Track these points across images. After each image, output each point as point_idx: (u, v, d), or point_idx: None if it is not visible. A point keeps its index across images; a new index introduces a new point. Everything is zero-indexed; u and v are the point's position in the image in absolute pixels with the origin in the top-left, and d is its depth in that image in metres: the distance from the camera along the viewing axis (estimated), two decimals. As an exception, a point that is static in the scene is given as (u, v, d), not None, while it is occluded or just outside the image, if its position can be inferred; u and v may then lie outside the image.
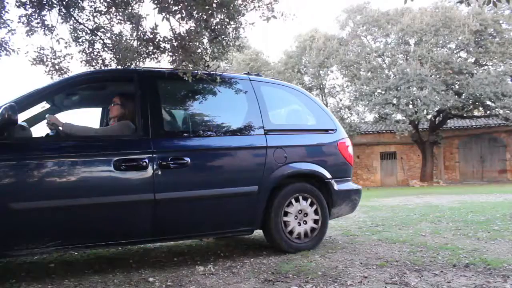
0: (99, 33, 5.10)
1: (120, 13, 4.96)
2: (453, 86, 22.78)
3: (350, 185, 4.84)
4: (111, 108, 4.21)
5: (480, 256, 3.93)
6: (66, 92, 4.23)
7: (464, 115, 24.37)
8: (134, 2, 4.85)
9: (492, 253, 4.08)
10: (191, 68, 3.94)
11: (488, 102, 22.24)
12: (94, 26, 5.10)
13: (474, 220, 6.41)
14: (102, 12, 5.07)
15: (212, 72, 4.20)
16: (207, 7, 3.89)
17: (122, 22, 5.02)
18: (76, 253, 4.64)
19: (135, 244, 4.42)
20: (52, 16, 5.02)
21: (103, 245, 3.76)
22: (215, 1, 4.00)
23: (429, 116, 22.55)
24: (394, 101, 21.91)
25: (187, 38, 4.03)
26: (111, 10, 5.01)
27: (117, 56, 4.73)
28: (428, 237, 5.09)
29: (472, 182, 23.37)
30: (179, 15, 3.97)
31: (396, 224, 6.26)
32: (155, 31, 4.41)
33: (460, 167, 24.96)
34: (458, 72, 21.97)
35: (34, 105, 3.69)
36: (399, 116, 22.61)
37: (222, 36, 4.38)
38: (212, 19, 4.13)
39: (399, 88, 21.62)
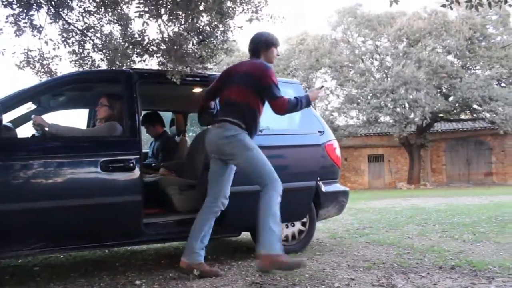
0: (89, 34, 5.07)
1: (110, 13, 4.93)
2: (442, 89, 23.03)
3: (337, 187, 4.86)
4: (99, 110, 4.18)
5: (465, 258, 3.96)
6: (52, 93, 4.19)
7: (451, 118, 24.64)
8: (123, 3, 4.83)
9: (477, 255, 4.11)
10: (179, 70, 3.93)
11: (475, 106, 22.51)
12: (84, 26, 5.06)
13: (460, 222, 6.47)
14: (92, 12, 5.03)
15: (201, 73, 4.20)
16: (192, 11, 3.88)
17: (112, 22, 4.99)
18: (61, 256, 4.60)
19: (122, 246, 4.40)
20: (41, 16, 4.98)
21: (89, 248, 3.73)
22: (200, 5, 4.00)
23: (417, 119, 22.74)
24: (389, 104, 22.02)
25: (174, 41, 4.02)
26: (100, 10, 4.98)
27: (107, 57, 4.71)
28: (414, 239, 5.12)
29: (458, 184, 23.58)
30: (165, 18, 3.97)
31: (383, 227, 6.29)
32: (143, 33, 4.40)
33: (447, 170, 25.17)
34: (449, 76, 22.23)
35: (20, 105, 3.65)
36: (391, 119, 22.78)
37: (210, 39, 4.38)
38: (197, 23, 4.12)
39: (394, 92, 21.77)
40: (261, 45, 3.75)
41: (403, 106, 22.20)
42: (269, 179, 3.45)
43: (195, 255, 3.54)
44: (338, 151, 4.88)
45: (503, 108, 21.17)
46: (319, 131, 4.79)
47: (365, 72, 24.42)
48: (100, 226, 3.56)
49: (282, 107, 3.52)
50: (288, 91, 4.64)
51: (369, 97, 23.04)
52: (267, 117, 3.84)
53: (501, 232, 5.36)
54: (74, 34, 5.07)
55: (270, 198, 3.39)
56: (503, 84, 23.41)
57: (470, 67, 23.94)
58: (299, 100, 3.59)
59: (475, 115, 23.76)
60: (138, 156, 3.63)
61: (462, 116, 25.53)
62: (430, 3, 24.21)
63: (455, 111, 23.73)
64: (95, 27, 5.06)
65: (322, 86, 3.97)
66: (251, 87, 3.52)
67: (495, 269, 3.54)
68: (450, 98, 22.77)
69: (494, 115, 21.46)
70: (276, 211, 3.37)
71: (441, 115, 23.61)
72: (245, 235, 4.83)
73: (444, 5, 4.58)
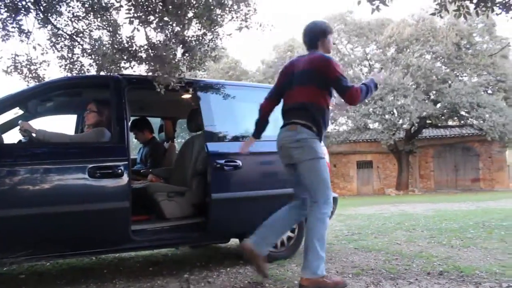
0: (77, 39, 5.04)
1: (99, 19, 4.91)
2: (431, 96, 23.27)
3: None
4: (87, 116, 4.16)
5: (453, 264, 3.98)
6: (40, 98, 4.16)
7: (439, 124, 24.86)
8: (112, 8, 4.81)
9: (465, 261, 4.14)
10: (166, 77, 3.92)
11: (463, 112, 22.77)
12: (73, 31, 5.04)
13: (448, 228, 6.51)
14: (80, 18, 5.01)
15: (187, 80, 4.19)
16: (181, 18, 3.88)
17: (101, 28, 4.97)
18: (48, 264, 4.55)
19: (110, 253, 4.36)
20: (29, 21, 4.96)
21: (77, 255, 3.69)
22: (189, 12, 4.00)
23: (405, 126, 22.89)
24: (378, 111, 22.17)
25: (163, 48, 4.01)
26: (89, 15, 4.96)
27: (96, 62, 4.68)
28: (403, 245, 5.14)
29: (446, 190, 23.75)
30: (153, 25, 3.96)
31: (372, 233, 6.31)
32: (131, 40, 4.39)
33: (435, 176, 25.35)
34: (438, 82, 22.48)
35: (7, 111, 3.62)
36: (380, 126, 22.92)
37: (199, 47, 4.38)
38: (186, 30, 4.12)
39: (383, 99, 21.94)
40: (319, 34, 3.54)
41: (392, 113, 22.36)
42: (323, 197, 3.30)
43: (264, 247, 3.38)
44: (327, 158, 4.88)
45: (490, 115, 21.45)
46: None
47: (354, 79, 24.56)
48: (87, 233, 3.53)
49: (356, 97, 3.35)
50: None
51: (358, 104, 23.16)
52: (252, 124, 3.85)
53: (488, 237, 5.40)
54: (63, 39, 5.04)
55: (319, 220, 3.26)
56: (489, 92, 23.71)
57: (457, 74, 24.22)
58: (368, 86, 3.46)
59: (462, 121, 24.04)
60: (126, 162, 3.61)
61: (450, 123, 25.80)
62: (417, 10, 24.50)
63: (443, 117, 23.96)
64: (84, 32, 5.04)
65: (382, 69, 3.95)
66: (315, 84, 3.36)
67: (482, 274, 3.56)
68: (438, 104, 23.01)
69: (482, 122, 21.74)
70: (324, 234, 3.27)
71: (429, 121, 23.82)
72: (234, 241, 4.82)
73: (433, 13, 4.62)
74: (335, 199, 4.90)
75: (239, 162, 4.06)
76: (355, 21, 25.46)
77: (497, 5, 4.33)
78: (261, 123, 3.73)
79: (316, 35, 3.54)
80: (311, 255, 3.19)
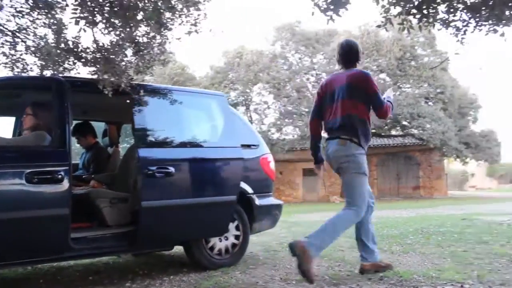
0: (20, 35, 4.83)
1: (44, 17, 4.73)
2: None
3: (271, 200, 4.90)
4: (24, 119, 4.00)
5: (393, 269, 4.10)
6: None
7: (383, 134, 25.67)
8: (56, 7, 4.65)
9: (404, 266, 4.27)
10: (113, 80, 3.83)
11: (405, 122, 23.64)
12: (16, 27, 4.82)
13: (389, 234, 6.69)
14: (24, 14, 4.81)
15: (135, 83, 4.12)
16: (129, 20, 3.82)
17: (46, 25, 4.79)
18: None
19: (48, 262, 4.19)
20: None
21: (11, 265, 3.52)
22: (138, 14, 3.94)
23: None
24: None
25: (110, 50, 3.93)
26: (34, 12, 4.77)
27: (41, 62, 4.50)
28: (346, 251, 5.23)
29: (389, 198, 24.47)
30: (101, 26, 3.87)
31: (316, 239, 6.38)
32: (77, 41, 4.26)
33: (378, 184, 26.04)
34: (383, 92, 23.24)
35: None
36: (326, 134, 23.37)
37: (147, 50, 4.31)
38: (135, 33, 4.05)
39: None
40: (357, 55, 3.90)
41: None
42: (359, 204, 3.75)
43: (375, 254, 3.89)
44: (272, 165, 4.93)
45: (430, 124, 22.44)
46: (253, 145, 4.82)
47: (301, 88, 25.00)
48: (24, 241, 3.37)
49: (387, 113, 3.83)
50: (211, 102, 4.65)
51: (304, 113, 23.58)
52: (190, 130, 3.84)
53: (426, 243, 5.60)
54: (4, 35, 4.82)
55: (348, 219, 3.78)
56: (430, 103, 24.75)
57: (400, 85, 25.12)
58: (392, 104, 3.92)
59: (405, 131, 24.94)
60: (67, 168, 3.50)
61: (393, 132, 26.69)
62: (364, 23, 25.21)
63: (386, 126, 24.78)
64: (28, 29, 4.84)
65: (392, 91, 4.20)
66: (357, 98, 3.69)
67: (420, 278, 3.69)
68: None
69: (422, 131, 22.71)
70: (341, 230, 3.78)
71: (373, 130, 24.53)
72: (179, 248, 4.76)
73: (379, 26, 4.78)
74: (280, 206, 4.97)
75: (171, 169, 3.97)
76: (303, 32, 25.92)
77: (438, 21, 4.55)
78: (316, 145, 4.10)
79: (356, 55, 3.90)
80: (324, 240, 3.63)
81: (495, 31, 4.18)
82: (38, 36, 4.69)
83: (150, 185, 3.87)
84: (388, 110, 3.81)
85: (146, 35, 4.26)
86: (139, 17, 4.04)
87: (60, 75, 4.10)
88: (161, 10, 4.09)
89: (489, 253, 4.65)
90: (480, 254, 4.12)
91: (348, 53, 3.89)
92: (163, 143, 4.21)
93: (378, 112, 3.81)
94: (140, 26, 4.13)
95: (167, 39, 4.45)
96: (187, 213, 4.11)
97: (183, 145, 4.32)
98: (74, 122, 4.95)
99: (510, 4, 3.97)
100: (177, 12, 4.32)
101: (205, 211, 4.14)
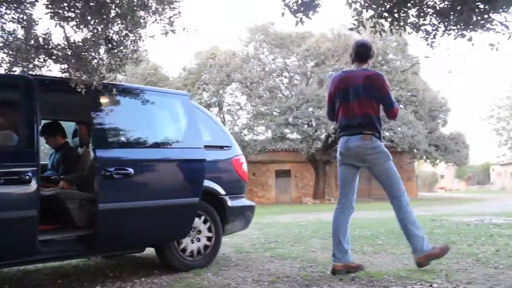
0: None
1: (13, 11, 4.60)
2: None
3: (243, 201, 4.90)
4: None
5: (364, 269, 4.14)
6: None
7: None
8: (26, 2, 4.53)
9: (375, 266, 4.32)
10: (84, 79, 3.76)
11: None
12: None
13: (361, 235, 6.76)
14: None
15: (108, 83, 4.05)
16: (104, 16, 3.75)
17: (15, 21, 4.66)
18: None
19: (14, 266, 4.08)
20: None
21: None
22: (112, 11, 3.88)
23: (322, 136, 23.67)
24: (293, 121, 22.74)
25: (82, 47, 3.85)
26: (1, 6, 4.64)
27: (9, 59, 4.38)
28: (318, 252, 5.27)
29: (361, 199, 24.46)
30: (73, 22, 3.79)
31: (289, 241, 6.42)
32: (48, 37, 4.16)
33: (350, 186, 26.31)
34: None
35: None
36: (298, 135, 23.56)
37: (120, 48, 4.24)
38: (108, 30, 3.99)
39: (298, 109, 22.57)
40: (371, 53, 4.12)
41: (310, 124, 23.07)
42: (399, 190, 3.98)
43: (348, 255, 3.98)
44: (245, 166, 4.92)
45: (401, 128, 22.82)
46: (226, 146, 4.81)
47: (274, 89, 25.13)
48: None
49: (396, 113, 4.09)
50: (174, 102, 4.60)
51: (275, 114, 23.71)
52: (152, 130, 3.79)
53: (397, 244, 5.67)
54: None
55: (404, 210, 3.95)
56: (401, 105, 25.18)
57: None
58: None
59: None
60: (35, 168, 3.41)
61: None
62: (337, 25, 25.58)
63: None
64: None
65: None
66: (373, 97, 3.91)
67: (390, 278, 3.74)
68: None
69: (393, 134, 23.04)
70: (414, 218, 3.95)
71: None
72: (150, 250, 4.70)
73: (351, 29, 4.81)
74: (252, 207, 4.97)
75: (130, 170, 3.88)
76: (277, 32, 26.07)
77: (409, 24, 4.61)
78: None
79: (370, 53, 4.12)
80: (414, 239, 3.89)
81: (463, 35, 4.26)
82: (6, 32, 4.56)
83: (107, 187, 3.77)
84: (397, 111, 4.09)
85: (119, 32, 4.19)
86: (113, 14, 3.98)
87: (30, 72, 4.00)
88: (135, 8, 4.03)
89: (457, 253, 4.74)
90: (448, 254, 4.21)
91: (365, 51, 4.10)
92: (123, 144, 4.13)
93: (389, 112, 4.03)
94: (115, 23, 4.06)
95: (141, 37, 4.39)
96: (147, 216, 4.02)
97: (143, 145, 4.24)
98: (43, 122, 4.85)
99: (477, 10, 4.06)
100: (151, 11, 4.27)
101: (165, 214, 4.06)
